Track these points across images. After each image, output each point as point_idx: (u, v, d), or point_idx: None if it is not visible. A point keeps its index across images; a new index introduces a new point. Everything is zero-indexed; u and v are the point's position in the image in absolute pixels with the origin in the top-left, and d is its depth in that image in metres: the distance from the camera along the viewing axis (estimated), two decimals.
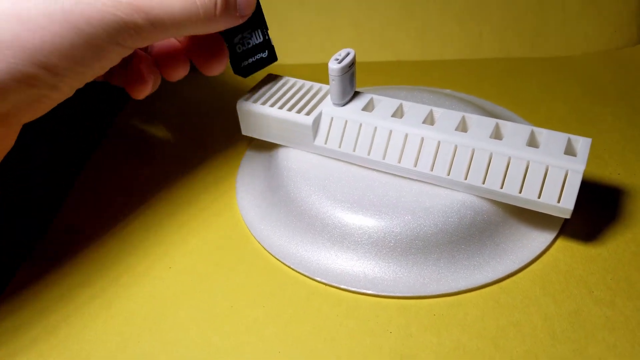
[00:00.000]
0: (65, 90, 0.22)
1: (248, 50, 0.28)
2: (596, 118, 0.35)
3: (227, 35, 0.28)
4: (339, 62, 0.28)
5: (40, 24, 0.19)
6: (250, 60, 0.29)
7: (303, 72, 0.39)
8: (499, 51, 0.43)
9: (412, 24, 0.44)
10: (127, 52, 0.23)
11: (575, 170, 0.24)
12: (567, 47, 0.43)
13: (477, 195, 0.26)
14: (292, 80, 0.32)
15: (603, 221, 0.27)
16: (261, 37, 0.28)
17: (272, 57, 0.30)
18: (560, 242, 0.27)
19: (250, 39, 0.28)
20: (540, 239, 0.27)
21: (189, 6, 0.23)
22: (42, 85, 0.21)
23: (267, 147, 0.34)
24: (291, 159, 0.30)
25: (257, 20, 0.28)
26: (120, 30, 0.21)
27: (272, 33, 0.46)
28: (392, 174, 0.28)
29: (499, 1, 0.43)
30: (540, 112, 0.37)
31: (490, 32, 0.43)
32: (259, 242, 0.29)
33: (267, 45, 0.29)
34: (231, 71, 0.30)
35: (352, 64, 0.29)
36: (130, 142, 0.38)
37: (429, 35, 0.44)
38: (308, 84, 0.32)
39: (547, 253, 0.26)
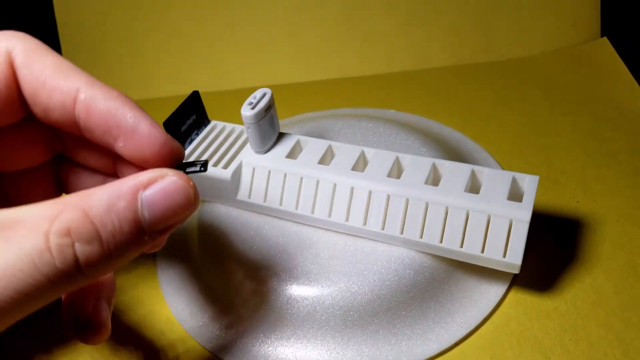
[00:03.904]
0: None
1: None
2: (555, 130, 0.32)
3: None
4: (253, 108, 0.25)
5: None
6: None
7: (240, 98, 0.35)
8: (449, 58, 0.40)
9: (355, 37, 0.40)
10: None
11: (520, 219, 0.21)
12: (523, 47, 0.40)
13: (417, 250, 0.23)
14: (210, 123, 0.28)
15: (560, 263, 0.24)
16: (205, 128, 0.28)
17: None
18: (513, 294, 0.24)
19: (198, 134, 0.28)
20: (490, 293, 0.24)
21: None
22: None
23: None
24: (214, 216, 0.27)
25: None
26: None
27: (199, 59, 0.43)
28: (325, 229, 0.25)
29: (446, 4, 0.39)
30: (493, 127, 0.33)
31: (438, 38, 0.40)
32: (188, 334, 0.25)
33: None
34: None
35: (270, 106, 0.26)
36: None
37: (373, 48, 0.40)
38: (229, 126, 0.28)
39: (498, 310, 0.23)
